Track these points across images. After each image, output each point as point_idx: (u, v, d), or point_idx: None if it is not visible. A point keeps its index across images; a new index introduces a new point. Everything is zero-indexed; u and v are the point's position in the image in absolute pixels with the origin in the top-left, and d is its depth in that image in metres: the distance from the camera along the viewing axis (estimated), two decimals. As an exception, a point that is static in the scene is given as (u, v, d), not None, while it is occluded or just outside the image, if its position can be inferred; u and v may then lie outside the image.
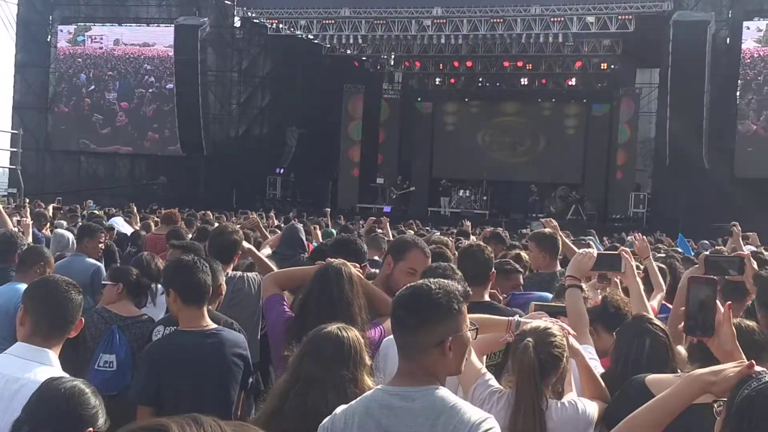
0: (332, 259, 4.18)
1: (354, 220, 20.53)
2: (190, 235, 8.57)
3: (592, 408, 3.26)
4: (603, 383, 3.44)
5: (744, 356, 2.51)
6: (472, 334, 2.75)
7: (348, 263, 4.26)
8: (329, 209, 19.10)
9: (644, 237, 6.50)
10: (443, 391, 2.65)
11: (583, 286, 4.11)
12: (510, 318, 3.57)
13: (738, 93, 26.45)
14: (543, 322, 3.33)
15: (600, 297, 4.40)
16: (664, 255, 8.08)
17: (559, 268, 6.51)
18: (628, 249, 4.37)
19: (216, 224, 10.27)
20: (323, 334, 3.16)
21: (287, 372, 3.17)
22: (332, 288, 4.09)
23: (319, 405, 2.98)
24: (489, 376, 3.36)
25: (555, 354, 3.18)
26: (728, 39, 26.52)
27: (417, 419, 2.60)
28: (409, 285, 2.80)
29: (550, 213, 27.07)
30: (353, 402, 2.78)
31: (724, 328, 2.55)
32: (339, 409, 2.77)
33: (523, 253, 7.13)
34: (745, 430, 2.23)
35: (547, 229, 7.02)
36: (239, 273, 5.83)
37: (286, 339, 3.99)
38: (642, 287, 4.32)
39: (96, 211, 15.78)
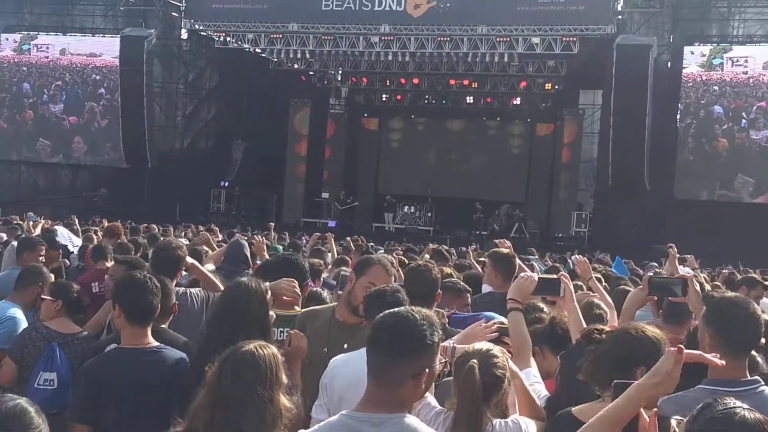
0: None
1: (298, 235, 20.44)
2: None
3: (533, 427, 3.29)
4: (540, 406, 3.46)
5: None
6: (440, 366, 2.75)
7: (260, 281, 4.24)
8: (273, 224, 19.01)
9: (585, 259, 6.54)
10: (412, 419, 2.63)
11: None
12: (445, 344, 3.53)
13: (678, 116, 27.03)
14: (484, 344, 3.34)
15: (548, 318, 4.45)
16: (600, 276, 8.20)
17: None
18: (566, 274, 4.40)
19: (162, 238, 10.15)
20: (240, 354, 3.09)
21: (205, 391, 3.08)
22: (242, 304, 4.06)
23: (239, 426, 2.94)
24: (431, 397, 3.37)
25: (498, 375, 3.21)
26: (669, 63, 27.13)
27: None
28: (390, 312, 2.75)
29: (493, 231, 27.33)
30: (316, 427, 2.74)
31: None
32: None
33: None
34: None
35: (505, 250, 7.00)
36: (182, 289, 5.74)
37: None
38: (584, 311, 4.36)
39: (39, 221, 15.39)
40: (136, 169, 29.80)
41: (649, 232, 24.22)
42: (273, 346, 3.17)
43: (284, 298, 4.56)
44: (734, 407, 2.34)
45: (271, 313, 4.22)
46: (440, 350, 3.39)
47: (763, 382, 3.43)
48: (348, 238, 15.16)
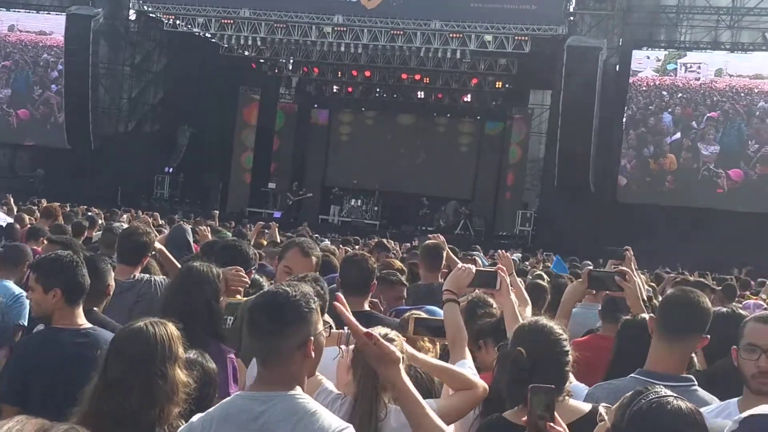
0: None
1: (242, 223, 20.20)
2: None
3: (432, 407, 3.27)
4: (464, 374, 3.44)
5: None
6: (326, 333, 2.80)
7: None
8: (218, 212, 18.77)
9: (507, 254, 6.62)
10: (303, 397, 2.65)
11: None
12: (340, 331, 3.52)
13: (624, 120, 27.38)
14: (381, 329, 3.28)
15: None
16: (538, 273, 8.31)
17: (440, 280, 6.51)
18: (503, 267, 4.37)
19: (101, 221, 9.91)
20: (126, 332, 3.06)
21: (96, 372, 3.02)
22: (194, 287, 3.99)
23: (127, 405, 2.88)
24: (329, 383, 3.38)
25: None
26: (618, 66, 27.43)
27: (277, 424, 2.57)
28: (261, 293, 2.81)
29: (439, 227, 27.38)
30: (210, 409, 2.73)
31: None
32: (196, 417, 2.71)
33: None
34: None
35: (432, 242, 7.03)
36: (146, 276, 5.64)
37: None
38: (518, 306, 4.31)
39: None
40: (78, 151, 29.17)
41: (591, 233, 24.50)
42: (169, 323, 3.08)
43: (231, 287, 4.48)
44: (666, 396, 2.34)
45: (223, 299, 4.21)
46: (336, 337, 3.41)
47: (696, 383, 3.44)
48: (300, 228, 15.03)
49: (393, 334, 3.29)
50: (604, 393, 2.82)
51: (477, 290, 4.63)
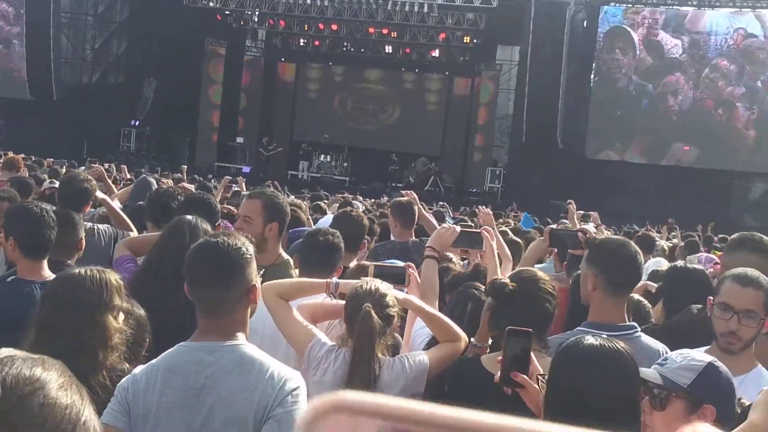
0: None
1: (207, 178, 20.03)
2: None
3: (419, 360, 3.33)
4: (447, 323, 3.47)
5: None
6: (259, 278, 2.84)
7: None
8: (186, 166, 18.58)
9: (489, 210, 6.62)
10: (250, 347, 2.66)
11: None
12: (327, 280, 3.57)
13: (592, 76, 27.43)
14: (372, 284, 3.33)
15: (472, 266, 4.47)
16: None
17: (413, 238, 6.52)
18: (489, 228, 4.40)
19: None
20: (62, 277, 3.03)
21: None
22: (187, 241, 3.90)
23: (56, 350, 2.77)
24: (321, 334, 3.39)
25: (390, 314, 3.24)
26: (585, 22, 27.39)
27: (225, 374, 2.57)
28: (197, 246, 2.82)
29: (408, 183, 27.40)
30: (154, 360, 2.70)
31: (530, 387, 2.70)
32: (138, 369, 2.68)
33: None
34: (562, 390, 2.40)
35: (404, 198, 7.01)
36: (89, 224, 5.52)
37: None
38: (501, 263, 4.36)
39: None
40: (41, 103, 28.62)
41: (559, 189, 24.64)
42: (111, 272, 3.04)
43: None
44: (585, 336, 2.50)
45: None
46: (324, 286, 3.50)
47: (639, 329, 3.53)
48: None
49: (383, 287, 3.32)
50: (554, 345, 2.89)
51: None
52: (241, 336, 2.68)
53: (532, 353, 2.73)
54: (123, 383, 2.65)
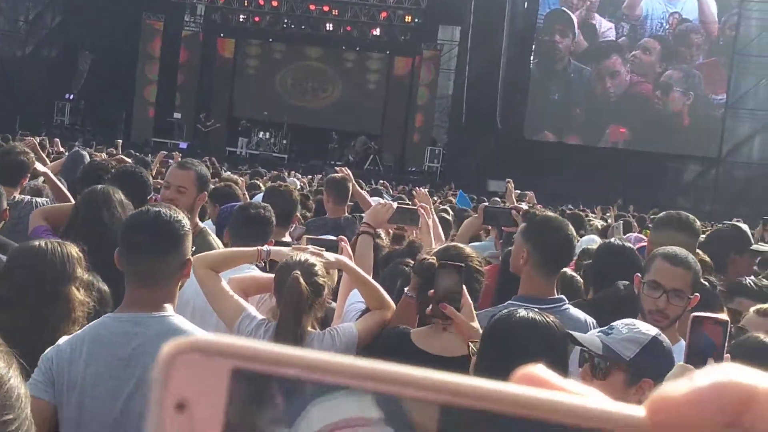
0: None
1: (145, 152, 19.71)
2: None
3: (348, 331, 3.34)
4: (379, 290, 3.48)
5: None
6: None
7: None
8: (121, 141, 18.25)
9: (425, 191, 6.70)
10: (177, 318, 2.65)
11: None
12: (258, 248, 3.58)
13: (531, 57, 27.67)
14: (302, 255, 3.33)
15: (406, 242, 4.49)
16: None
17: (345, 214, 6.56)
18: (425, 205, 4.44)
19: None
20: (21, 250, 2.98)
21: None
22: (102, 212, 3.87)
23: (16, 324, 2.70)
24: (252, 308, 3.37)
25: (319, 283, 3.22)
26: (526, 3, 27.59)
27: (153, 345, 2.54)
28: (138, 212, 2.84)
29: (348, 162, 27.35)
30: (79, 331, 2.66)
31: (458, 320, 2.80)
32: (62, 339, 2.62)
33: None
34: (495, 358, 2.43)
35: (339, 174, 7.03)
36: (27, 197, 5.45)
37: None
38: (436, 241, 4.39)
39: None
40: (-29, 76, 27.87)
41: (498, 169, 24.85)
42: (70, 244, 2.99)
43: None
44: (517, 309, 2.55)
45: None
46: (255, 254, 3.53)
47: (567, 301, 3.59)
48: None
49: (313, 259, 3.33)
50: (482, 319, 2.92)
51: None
52: (169, 307, 2.67)
53: (464, 287, 2.78)
54: (47, 353, 2.60)
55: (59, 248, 2.91)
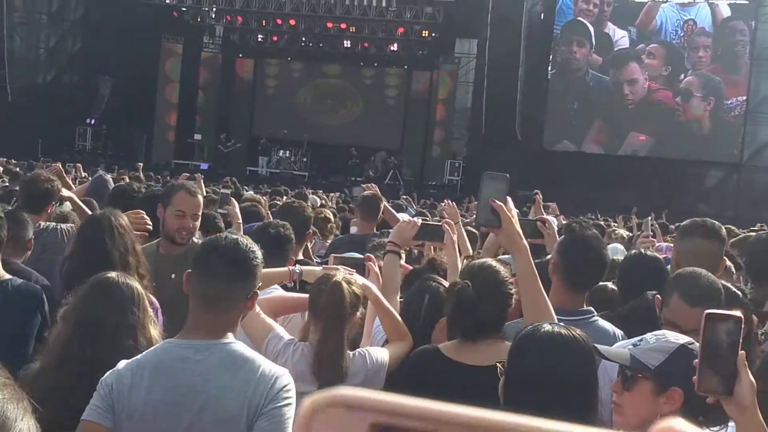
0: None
1: (162, 175, 19.88)
2: None
3: (380, 355, 3.34)
4: (401, 322, 3.52)
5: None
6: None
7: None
8: (142, 164, 18.40)
9: (454, 204, 6.70)
10: (239, 345, 2.65)
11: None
12: (290, 268, 3.64)
13: (549, 68, 27.65)
14: (337, 271, 3.35)
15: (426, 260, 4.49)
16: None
17: (374, 231, 6.55)
18: (450, 221, 4.44)
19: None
20: (104, 279, 3.00)
21: (63, 321, 2.96)
22: (104, 237, 3.89)
23: (106, 351, 2.80)
24: (280, 328, 3.38)
25: (357, 294, 3.26)
26: (543, 15, 27.59)
27: (216, 373, 2.55)
28: (216, 237, 2.82)
29: (368, 177, 27.37)
30: (139, 357, 2.64)
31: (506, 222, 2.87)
32: (122, 364, 2.60)
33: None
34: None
35: (370, 192, 7.04)
36: (52, 224, 5.46)
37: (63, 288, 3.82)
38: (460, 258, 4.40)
39: None
40: (-6, 104, 28.18)
41: (519, 181, 24.77)
42: (133, 279, 3.08)
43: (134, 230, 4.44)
44: (542, 324, 2.54)
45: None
46: (288, 274, 3.59)
47: (595, 313, 3.59)
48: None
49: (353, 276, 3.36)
50: (512, 331, 2.93)
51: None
52: (230, 335, 2.66)
53: (508, 197, 2.83)
54: (106, 378, 2.58)
55: (135, 283, 3.04)
